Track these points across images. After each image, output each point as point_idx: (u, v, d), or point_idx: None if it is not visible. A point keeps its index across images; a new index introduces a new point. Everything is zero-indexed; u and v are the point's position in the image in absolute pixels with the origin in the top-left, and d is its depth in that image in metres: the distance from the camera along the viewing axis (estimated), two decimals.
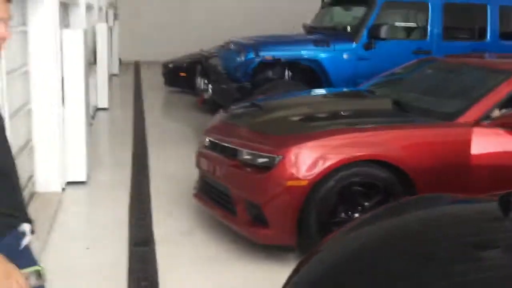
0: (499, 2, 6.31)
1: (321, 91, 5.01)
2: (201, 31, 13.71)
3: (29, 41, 4.10)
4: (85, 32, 4.84)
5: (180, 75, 9.27)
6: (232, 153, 3.50)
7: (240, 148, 3.44)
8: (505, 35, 6.27)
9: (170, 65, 9.54)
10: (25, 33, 4.05)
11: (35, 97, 4.23)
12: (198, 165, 3.92)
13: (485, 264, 1.77)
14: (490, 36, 6.23)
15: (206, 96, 6.51)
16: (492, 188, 2.61)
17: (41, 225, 3.57)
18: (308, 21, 7.13)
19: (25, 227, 1.52)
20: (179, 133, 6.89)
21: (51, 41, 4.18)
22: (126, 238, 3.60)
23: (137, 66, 13.34)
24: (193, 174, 4.43)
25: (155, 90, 9.95)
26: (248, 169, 3.34)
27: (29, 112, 4.20)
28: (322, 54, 5.74)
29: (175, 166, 5.22)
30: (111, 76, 10.47)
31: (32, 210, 3.82)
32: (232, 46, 6.16)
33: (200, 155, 3.87)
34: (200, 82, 6.50)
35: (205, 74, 6.57)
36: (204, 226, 3.84)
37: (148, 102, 8.74)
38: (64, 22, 5.90)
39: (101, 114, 7.72)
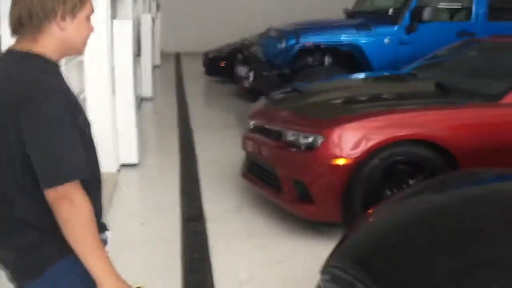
0: None
1: (362, 75, 5.06)
2: (240, 19, 13.82)
3: None
4: (133, 23, 5.06)
5: (220, 65, 9.44)
6: (277, 135, 3.64)
7: (285, 130, 3.57)
8: None
9: (210, 55, 9.73)
10: None
11: (88, 86, 4.47)
12: (244, 147, 4.08)
13: None
14: None
15: (247, 83, 6.66)
16: None
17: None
18: (349, 6, 7.14)
19: (107, 234, 1.54)
20: (222, 120, 7.09)
21: (102, 32, 4.38)
22: (179, 215, 3.82)
23: (178, 57, 13.64)
24: (238, 158, 4.62)
25: (196, 80, 10.19)
26: (294, 149, 3.47)
27: (84, 100, 4.45)
28: (362, 39, 5.76)
29: (220, 151, 5.42)
30: (153, 67, 10.80)
31: None
32: (272, 33, 6.27)
33: (246, 137, 4.03)
34: (241, 70, 6.65)
35: (246, 62, 6.71)
36: (252, 204, 4.02)
37: (190, 92, 8.99)
38: (112, 12, 6.16)
39: (146, 103, 8.00)
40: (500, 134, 3.43)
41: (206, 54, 9.88)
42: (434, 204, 2.21)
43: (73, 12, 1.37)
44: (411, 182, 3.34)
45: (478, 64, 4.46)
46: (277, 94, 4.49)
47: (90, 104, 4.49)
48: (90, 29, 1.45)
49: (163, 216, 3.85)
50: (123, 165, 4.74)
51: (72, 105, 1.37)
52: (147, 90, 8.20)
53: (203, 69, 9.98)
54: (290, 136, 3.52)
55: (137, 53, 7.57)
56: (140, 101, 7.85)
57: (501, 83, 3.74)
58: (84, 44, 1.47)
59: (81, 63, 4.41)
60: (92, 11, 1.45)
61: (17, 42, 1.41)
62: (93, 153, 1.47)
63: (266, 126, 3.79)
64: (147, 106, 7.94)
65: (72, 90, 1.43)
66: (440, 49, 4.94)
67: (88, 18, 1.43)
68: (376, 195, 3.31)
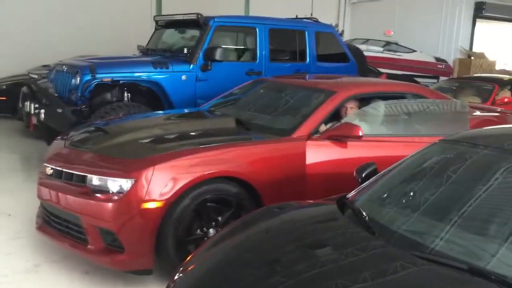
0: (314, 28, 7.14)
1: (163, 112, 5.07)
2: (21, 50, 12.61)
3: None
4: None
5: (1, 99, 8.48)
6: (80, 180, 3.36)
7: (89, 175, 3.33)
8: (321, 58, 7.11)
9: None
10: None
11: None
12: (40, 195, 3.66)
13: (318, 261, 2.09)
14: (309, 58, 7.00)
15: (36, 121, 6.06)
16: (327, 193, 3.00)
17: None
18: (138, 43, 7.15)
19: None
20: (7, 162, 6.28)
21: None
22: None
23: None
24: (31, 207, 4.13)
25: None
26: (100, 195, 3.24)
27: None
28: (161, 76, 5.80)
29: (9, 200, 4.77)
30: None
31: None
32: (65, 68, 5.86)
33: (42, 184, 3.62)
34: (29, 106, 6.02)
35: (34, 97, 6.11)
36: (53, 260, 3.60)
37: None
38: None
39: None
40: (293, 165, 3.77)
41: None
42: (240, 244, 2.38)
43: None
44: (219, 218, 3.43)
45: (268, 102, 4.87)
46: (78, 134, 4.17)
47: None
48: None
49: None
50: None
51: None
52: None
53: None
54: (95, 181, 3.29)
55: None
56: None
57: (291, 119, 4.16)
58: None
59: None
60: None
61: None
62: None
63: (67, 170, 3.47)
64: None
65: None
66: (234, 87, 5.28)
67: None
68: (188, 235, 3.32)
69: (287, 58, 7.02)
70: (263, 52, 6.59)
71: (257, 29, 6.55)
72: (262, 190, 3.55)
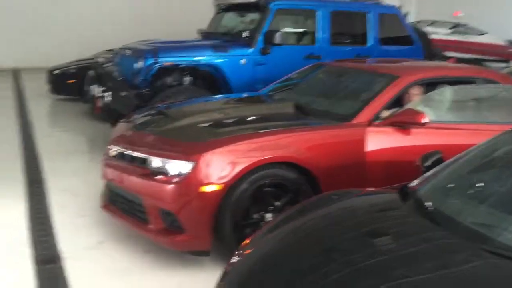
0: (377, 10, 6.91)
1: (223, 96, 5.11)
2: (84, 33, 13.15)
3: None
4: None
5: (68, 82, 8.86)
6: (142, 162, 3.45)
7: (150, 156, 3.41)
8: (384, 41, 6.88)
9: (56, 72, 9.04)
10: None
11: None
12: (104, 176, 3.80)
13: (377, 250, 2.03)
14: (371, 42, 6.79)
15: (101, 103, 6.29)
16: (387, 182, 2.91)
17: None
18: (200, 27, 7.21)
19: None
20: (74, 144, 6.57)
21: None
22: (30, 257, 3.39)
23: (16, 73, 12.41)
24: (96, 187, 4.30)
25: (40, 99, 9.36)
26: (160, 177, 3.32)
27: None
28: (220, 60, 5.83)
29: (74, 179, 5.00)
30: None
31: None
32: (128, 52, 6.02)
33: (107, 165, 3.76)
34: (95, 89, 6.26)
35: (99, 81, 6.34)
36: (115, 238, 3.75)
37: (35, 112, 8.19)
38: None
39: None
40: (353, 152, 3.69)
41: (51, 71, 9.14)
42: (298, 230, 2.36)
43: None
44: (277, 203, 3.42)
45: (328, 87, 4.79)
46: (140, 117, 4.29)
47: None
48: None
49: (12, 260, 3.38)
50: None
51: None
52: None
53: (47, 87, 9.21)
54: (156, 163, 3.37)
55: None
56: None
57: (351, 104, 4.06)
58: None
59: None
60: None
61: None
62: None
63: (130, 152, 3.58)
64: None
65: None
66: (293, 71, 5.22)
67: None
68: (245, 219, 3.34)
69: (349, 41, 6.84)
70: (324, 36, 6.46)
71: (318, 12, 6.42)
72: (320, 177, 3.50)
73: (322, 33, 6.45)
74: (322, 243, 2.22)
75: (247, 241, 2.47)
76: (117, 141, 3.82)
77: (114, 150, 3.73)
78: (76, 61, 9.24)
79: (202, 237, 3.28)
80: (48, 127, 7.70)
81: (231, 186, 3.27)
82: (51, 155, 5.80)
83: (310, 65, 5.34)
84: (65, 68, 9.04)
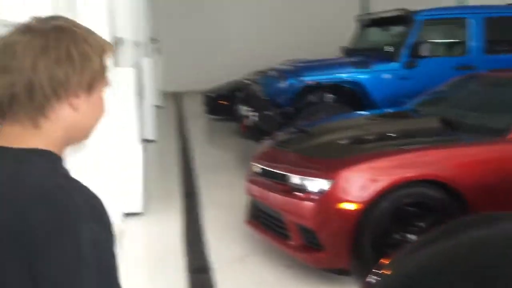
0: None
1: (366, 113, 5.03)
2: (239, 58, 14.04)
3: None
4: (135, 69, 5.08)
5: (220, 103, 9.50)
6: (282, 179, 3.57)
7: (290, 174, 3.51)
8: None
9: (210, 94, 9.79)
10: None
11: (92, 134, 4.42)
12: (248, 191, 4.00)
13: None
14: None
15: (248, 122, 6.64)
16: None
17: None
18: (344, 43, 7.21)
19: None
20: (226, 161, 7.03)
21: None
22: (184, 265, 3.70)
23: (179, 97, 13.74)
24: (243, 200, 4.53)
25: (197, 119, 10.22)
26: (300, 194, 3.39)
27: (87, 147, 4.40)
28: (362, 76, 5.78)
29: (224, 194, 5.33)
30: (156, 108, 10.85)
31: None
32: (273, 73, 6.29)
33: (250, 181, 3.96)
34: (242, 109, 6.65)
35: (246, 101, 6.72)
36: (258, 252, 3.91)
37: (192, 131, 8.99)
38: (114, 59, 6.21)
39: (149, 146, 7.97)
40: (507, 170, 3.35)
41: (206, 93, 9.94)
42: (447, 253, 2.17)
43: (91, 87, 0.96)
44: (420, 224, 3.25)
45: (481, 99, 4.43)
46: (283, 135, 4.45)
47: (92, 152, 4.44)
48: (104, 110, 1.05)
49: (168, 267, 3.74)
50: (128, 214, 4.66)
51: (106, 223, 0.94)
52: (149, 132, 8.20)
53: (203, 108, 10.03)
54: (295, 180, 3.45)
55: (140, 95, 7.62)
56: (144, 143, 7.84)
57: (507, 118, 3.70)
58: (94, 129, 1.05)
59: None
60: (108, 85, 1.05)
61: (2, 133, 0.95)
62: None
63: (271, 169, 3.72)
64: (150, 148, 7.90)
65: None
66: (440, 84, 4.93)
67: (103, 94, 1.04)
68: (385, 239, 3.23)
69: (506, 49, 6.25)
70: (477, 44, 6.00)
71: (470, 20, 6.00)
72: (470, 197, 3.23)
73: (475, 41, 6.00)
74: (472, 272, 2.01)
75: (385, 261, 2.38)
76: (259, 158, 4.00)
77: (257, 167, 3.91)
78: (229, 83, 9.88)
79: (340, 255, 3.25)
80: (202, 144, 8.35)
81: (370, 205, 3.20)
82: (204, 170, 6.28)
83: (460, 76, 5.00)
84: (218, 90, 9.75)
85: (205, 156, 7.21)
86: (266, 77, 6.59)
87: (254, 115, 6.17)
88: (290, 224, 3.43)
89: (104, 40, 1.01)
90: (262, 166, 3.85)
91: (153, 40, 12.63)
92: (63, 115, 0.95)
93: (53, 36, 0.92)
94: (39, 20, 0.95)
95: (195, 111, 10.73)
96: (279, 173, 3.62)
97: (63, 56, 0.91)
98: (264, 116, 5.95)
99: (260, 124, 6.07)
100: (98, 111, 1.02)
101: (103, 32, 4.25)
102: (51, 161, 0.94)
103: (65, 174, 0.94)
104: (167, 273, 3.66)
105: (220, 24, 15.02)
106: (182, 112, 11.60)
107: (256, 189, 3.85)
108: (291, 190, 3.46)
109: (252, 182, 3.92)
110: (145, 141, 7.98)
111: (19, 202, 0.86)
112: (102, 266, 0.88)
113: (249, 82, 7.78)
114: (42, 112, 0.92)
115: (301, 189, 3.39)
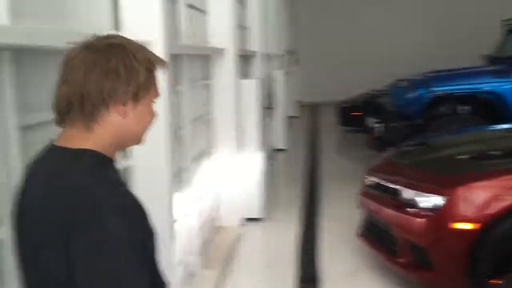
0: None
1: (500, 126, 4.60)
2: (377, 69, 13.75)
3: (212, 91, 4.65)
4: (260, 81, 5.31)
5: (353, 115, 9.39)
6: (394, 193, 3.45)
7: (402, 188, 3.38)
8: None
9: (344, 105, 9.74)
10: (208, 85, 4.62)
11: (216, 142, 4.74)
12: (361, 205, 3.93)
13: None
14: None
15: (375, 134, 6.49)
16: None
17: (220, 257, 3.98)
18: (484, 51, 6.66)
19: None
20: (351, 172, 6.92)
21: (230, 91, 4.68)
22: (293, 274, 3.77)
23: (315, 108, 13.89)
24: (360, 213, 4.45)
25: (330, 130, 10.25)
26: (412, 210, 3.25)
27: (210, 154, 4.71)
28: (502, 86, 5.30)
29: (344, 206, 5.27)
30: (290, 119, 11.14)
31: (214, 242, 4.30)
32: (403, 83, 6.08)
33: (363, 194, 3.89)
34: (370, 120, 6.51)
35: (374, 112, 6.57)
36: (370, 267, 3.81)
37: (323, 142, 9.05)
38: (245, 71, 6.57)
39: (279, 155, 8.22)
40: None
41: (340, 105, 9.92)
42: None
43: (137, 97, 1.10)
44: None
45: None
46: (403, 147, 4.29)
47: (217, 159, 4.76)
48: (153, 115, 1.18)
49: (278, 273, 3.84)
50: (249, 219, 4.88)
51: (137, 222, 1.05)
52: (280, 141, 8.45)
53: (337, 119, 10.02)
54: (408, 195, 3.31)
55: (270, 106, 7.91)
56: (273, 152, 8.11)
57: None
58: (145, 133, 1.18)
59: (209, 120, 4.69)
60: (158, 95, 1.17)
61: (63, 135, 1.11)
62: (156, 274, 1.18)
63: (383, 182, 3.62)
64: (280, 157, 8.15)
65: (132, 193, 1.10)
66: None
67: (152, 103, 1.17)
68: (508, 263, 2.94)
69: None
70: None
71: None
72: None
73: None
74: None
75: (499, 281, 2.20)
76: (374, 170, 3.91)
77: (370, 180, 3.83)
78: (363, 94, 9.72)
79: (453, 277, 3.04)
80: (331, 155, 8.35)
81: (490, 225, 2.94)
82: (328, 181, 6.29)
83: None
84: (351, 101, 9.65)
85: (331, 166, 7.21)
86: (396, 88, 6.38)
87: (380, 127, 6.02)
88: (400, 240, 3.30)
89: (154, 56, 1.13)
90: (375, 179, 3.76)
91: (291, 52, 12.98)
92: (112, 121, 1.09)
93: (104, 52, 1.06)
94: (97, 38, 1.10)
95: (329, 122, 10.75)
96: (391, 187, 3.51)
97: (111, 70, 1.05)
98: (390, 128, 5.77)
99: (386, 136, 5.90)
100: (145, 118, 1.15)
101: (230, 46, 4.55)
102: (94, 160, 1.07)
103: (103, 172, 1.07)
104: (277, 279, 3.76)
105: (358, 36, 14.91)
106: (316, 122, 11.72)
107: (368, 203, 3.78)
108: (402, 205, 3.33)
109: (365, 195, 3.85)
110: (276, 150, 8.27)
111: (60, 197, 1.02)
112: (122, 254, 0.99)
113: (377, 93, 7.59)
114: (93, 118, 1.07)
115: (413, 204, 3.25)
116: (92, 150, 1.07)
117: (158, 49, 2.38)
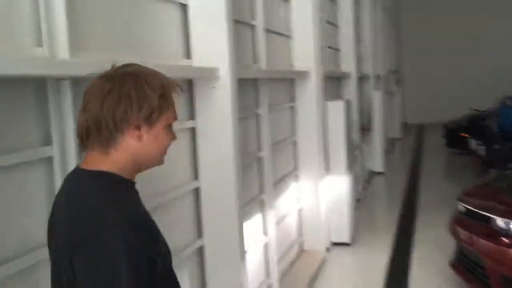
0: None
1: None
2: (485, 88, 12.86)
3: (297, 114, 4.65)
4: (348, 102, 5.22)
5: (461, 136, 8.83)
6: (486, 221, 3.18)
7: (495, 216, 3.10)
8: None
9: (450, 126, 9.21)
10: (292, 108, 4.62)
11: (301, 164, 4.69)
12: (452, 232, 3.67)
13: None
14: None
15: (478, 156, 6.03)
16: None
17: (303, 282, 3.93)
18: None
19: None
20: (451, 197, 6.45)
21: (314, 113, 4.64)
22: None
23: (421, 129, 13.28)
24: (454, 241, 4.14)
25: (435, 152, 9.74)
26: (505, 239, 2.97)
27: (296, 178, 4.68)
28: None
29: (440, 232, 4.94)
30: (393, 140, 10.73)
31: (298, 266, 4.26)
32: (508, 102, 5.61)
33: (454, 221, 3.63)
34: (472, 142, 6.07)
35: (478, 134, 6.12)
36: None
37: (426, 165, 8.62)
38: (338, 93, 6.50)
39: (376, 178, 7.95)
40: None
41: (445, 126, 9.41)
42: None
43: (151, 121, 1.15)
44: None
45: None
46: (500, 171, 3.95)
47: (303, 182, 4.72)
48: (171, 138, 1.22)
49: None
50: (336, 243, 4.77)
51: (144, 240, 1.07)
52: (377, 164, 8.17)
53: (442, 141, 9.49)
54: (499, 223, 3.04)
55: (367, 128, 7.70)
56: (371, 175, 7.84)
57: None
58: (163, 155, 1.22)
59: (294, 143, 4.68)
60: (175, 119, 1.21)
61: (85, 158, 1.18)
62: None
63: (474, 209, 3.36)
64: (377, 180, 7.87)
65: (146, 212, 1.16)
66: None
67: (169, 126, 1.20)
68: None
69: None
70: None
71: None
72: None
73: None
74: None
75: None
76: (467, 195, 3.64)
77: (462, 205, 3.57)
78: (468, 115, 9.14)
79: None
80: (433, 179, 7.87)
81: None
82: (427, 205, 5.96)
83: None
84: (458, 122, 9.10)
85: (432, 191, 6.81)
86: (502, 107, 5.90)
87: (482, 149, 5.59)
88: (491, 271, 3.02)
89: (168, 80, 1.18)
90: (466, 206, 3.50)
91: (395, 71, 12.57)
92: (127, 144, 1.15)
93: (119, 81, 1.13)
94: (114, 67, 1.17)
95: (434, 143, 10.23)
96: (483, 214, 3.24)
97: (123, 96, 1.11)
98: (492, 150, 5.34)
99: (489, 158, 5.46)
100: (162, 141, 1.19)
101: (314, 68, 4.55)
102: (107, 181, 1.13)
103: (114, 192, 1.12)
104: None
105: (463, 55, 14.10)
106: (420, 144, 11.18)
107: (459, 230, 3.51)
108: (495, 234, 3.06)
109: (456, 222, 3.59)
110: (373, 173, 7.99)
111: (70, 214, 1.11)
112: (122, 273, 1.02)
113: (483, 114, 7.06)
114: (109, 143, 1.14)
115: (506, 233, 2.97)
116: (107, 172, 1.13)
117: (224, 75, 2.48)
